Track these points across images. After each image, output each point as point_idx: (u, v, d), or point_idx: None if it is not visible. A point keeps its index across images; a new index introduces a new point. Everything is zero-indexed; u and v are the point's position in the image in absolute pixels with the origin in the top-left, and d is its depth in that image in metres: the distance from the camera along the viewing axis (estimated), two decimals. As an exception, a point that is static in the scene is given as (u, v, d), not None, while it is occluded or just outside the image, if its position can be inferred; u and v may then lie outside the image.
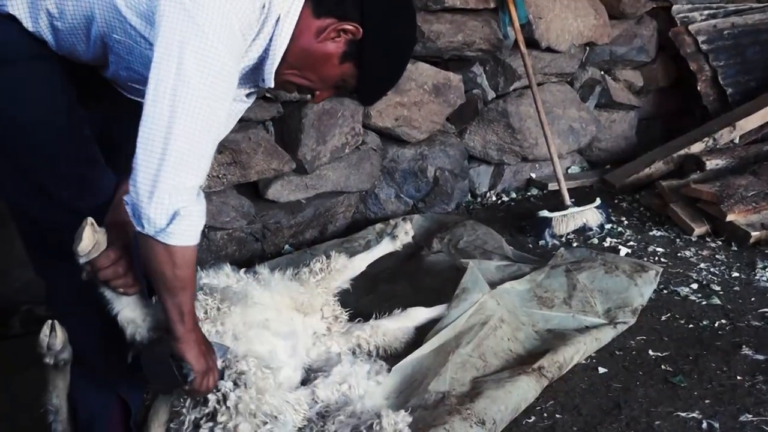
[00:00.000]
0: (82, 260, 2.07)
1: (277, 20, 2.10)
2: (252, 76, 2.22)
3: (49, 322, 2.25)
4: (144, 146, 1.94)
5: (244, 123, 4.08)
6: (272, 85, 2.21)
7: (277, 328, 2.75)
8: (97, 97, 2.39)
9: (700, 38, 5.49)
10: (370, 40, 2.17)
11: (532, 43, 4.93)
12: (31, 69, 2.16)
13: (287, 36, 2.13)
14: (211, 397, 2.39)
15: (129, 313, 2.23)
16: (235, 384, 2.42)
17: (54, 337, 2.24)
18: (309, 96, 2.34)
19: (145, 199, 1.95)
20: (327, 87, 2.26)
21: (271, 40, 2.12)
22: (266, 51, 2.14)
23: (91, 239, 2.04)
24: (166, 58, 1.92)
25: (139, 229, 1.99)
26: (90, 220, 2.04)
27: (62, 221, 2.14)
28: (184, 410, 2.41)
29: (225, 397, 2.40)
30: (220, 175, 4.00)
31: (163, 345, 2.17)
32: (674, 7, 5.65)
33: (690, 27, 5.54)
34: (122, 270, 2.09)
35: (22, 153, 2.16)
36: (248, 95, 2.39)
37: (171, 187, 1.94)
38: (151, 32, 2.03)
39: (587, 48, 5.40)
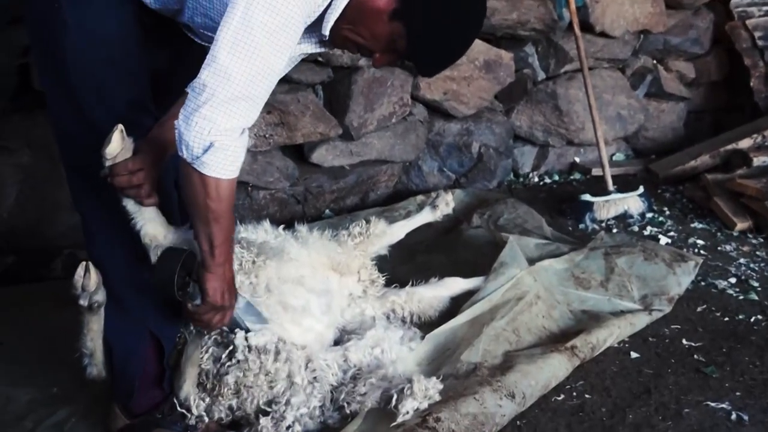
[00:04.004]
0: (107, 163, 2.18)
1: None
2: (315, 28, 2.24)
3: (84, 263, 2.31)
4: (199, 78, 2.03)
5: (293, 85, 4.11)
6: (326, 33, 2.22)
7: (312, 285, 2.77)
8: (163, 40, 2.44)
9: (757, 33, 5.41)
10: None
11: (587, 27, 4.89)
12: (108, 7, 2.25)
13: None
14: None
15: (151, 229, 2.32)
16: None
17: (88, 278, 2.29)
18: (369, 59, 2.36)
19: (185, 125, 2.05)
20: (381, 47, 2.26)
21: None
22: (331, 3, 2.17)
23: (119, 143, 2.15)
24: (236, 2, 2.00)
25: (180, 153, 2.08)
26: (120, 126, 2.15)
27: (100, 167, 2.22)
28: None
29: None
30: (266, 135, 4.03)
31: (179, 253, 2.28)
32: (732, 1, 5.54)
33: (747, 21, 5.46)
34: (137, 181, 2.19)
35: (80, 85, 2.25)
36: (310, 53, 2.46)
37: (211, 120, 2.02)
38: None
39: (641, 35, 5.33)
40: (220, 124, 2.02)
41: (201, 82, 2.02)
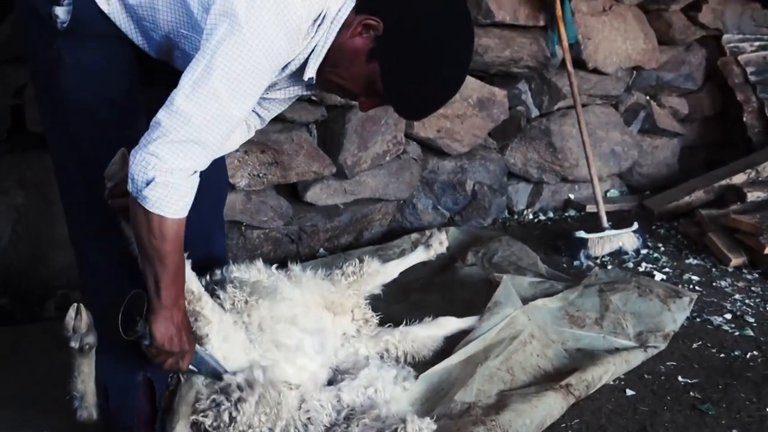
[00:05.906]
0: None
1: (324, 18, 2.13)
2: (300, 73, 2.24)
3: (75, 305, 2.29)
4: (156, 117, 2.03)
5: (287, 124, 4.12)
6: (312, 75, 2.21)
7: (305, 325, 2.75)
8: (162, 80, 2.44)
9: (749, 69, 5.45)
10: (389, 35, 2.14)
11: (579, 64, 4.92)
12: (106, 47, 2.27)
13: (332, 35, 2.16)
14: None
15: None
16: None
17: (79, 320, 2.27)
18: (356, 102, 2.35)
19: (132, 158, 2.04)
20: (359, 88, 2.24)
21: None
22: (314, 48, 2.17)
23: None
24: (202, 51, 2.02)
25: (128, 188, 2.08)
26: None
27: (102, 192, 2.21)
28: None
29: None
30: (260, 175, 4.03)
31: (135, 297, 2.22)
32: (724, 37, 5.59)
33: (739, 57, 5.49)
34: None
35: (78, 122, 2.27)
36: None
37: (156, 156, 2.01)
38: None
39: (634, 72, 5.36)
40: (166, 162, 2.01)
41: (156, 121, 2.02)
